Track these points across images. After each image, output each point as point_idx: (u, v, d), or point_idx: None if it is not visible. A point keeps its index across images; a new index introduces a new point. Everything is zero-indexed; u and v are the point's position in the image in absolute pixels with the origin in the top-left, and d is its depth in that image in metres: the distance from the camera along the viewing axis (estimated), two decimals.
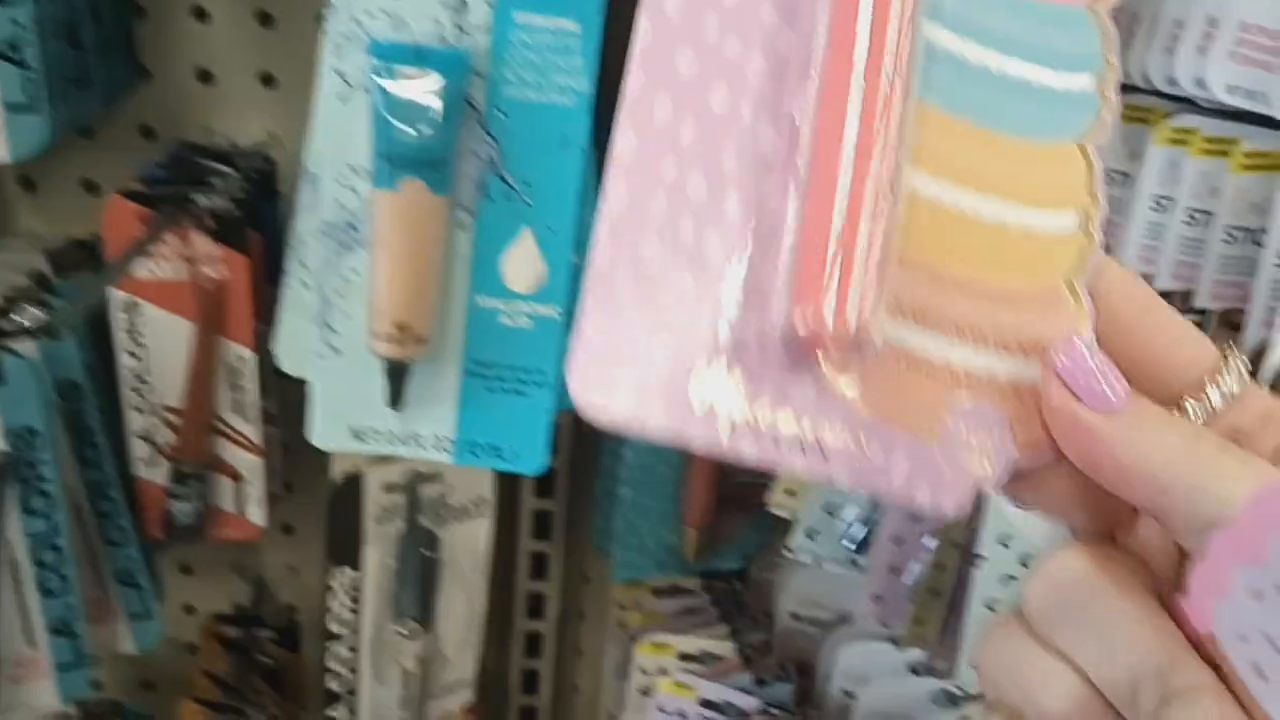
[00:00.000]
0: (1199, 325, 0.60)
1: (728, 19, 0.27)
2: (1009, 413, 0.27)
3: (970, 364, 0.27)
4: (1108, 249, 0.30)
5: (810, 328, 0.25)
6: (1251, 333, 0.59)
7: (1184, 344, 0.29)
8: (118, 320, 0.63)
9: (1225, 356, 0.28)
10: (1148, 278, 0.63)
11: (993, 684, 0.28)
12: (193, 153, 0.69)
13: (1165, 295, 0.60)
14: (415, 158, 0.51)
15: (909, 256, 0.27)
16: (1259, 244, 0.59)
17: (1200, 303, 0.61)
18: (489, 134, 0.52)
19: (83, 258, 0.69)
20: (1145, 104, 0.66)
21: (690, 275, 0.26)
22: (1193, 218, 0.62)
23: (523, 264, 0.54)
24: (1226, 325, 0.61)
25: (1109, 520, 0.28)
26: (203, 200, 0.62)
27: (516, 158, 0.53)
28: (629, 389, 0.25)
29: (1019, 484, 0.28)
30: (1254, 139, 0.59)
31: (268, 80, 0.73)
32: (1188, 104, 0.63)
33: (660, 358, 0.25)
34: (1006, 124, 0.28)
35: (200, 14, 0.71)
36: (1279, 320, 0.57)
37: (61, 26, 0.59)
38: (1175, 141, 0.62)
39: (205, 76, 0.73)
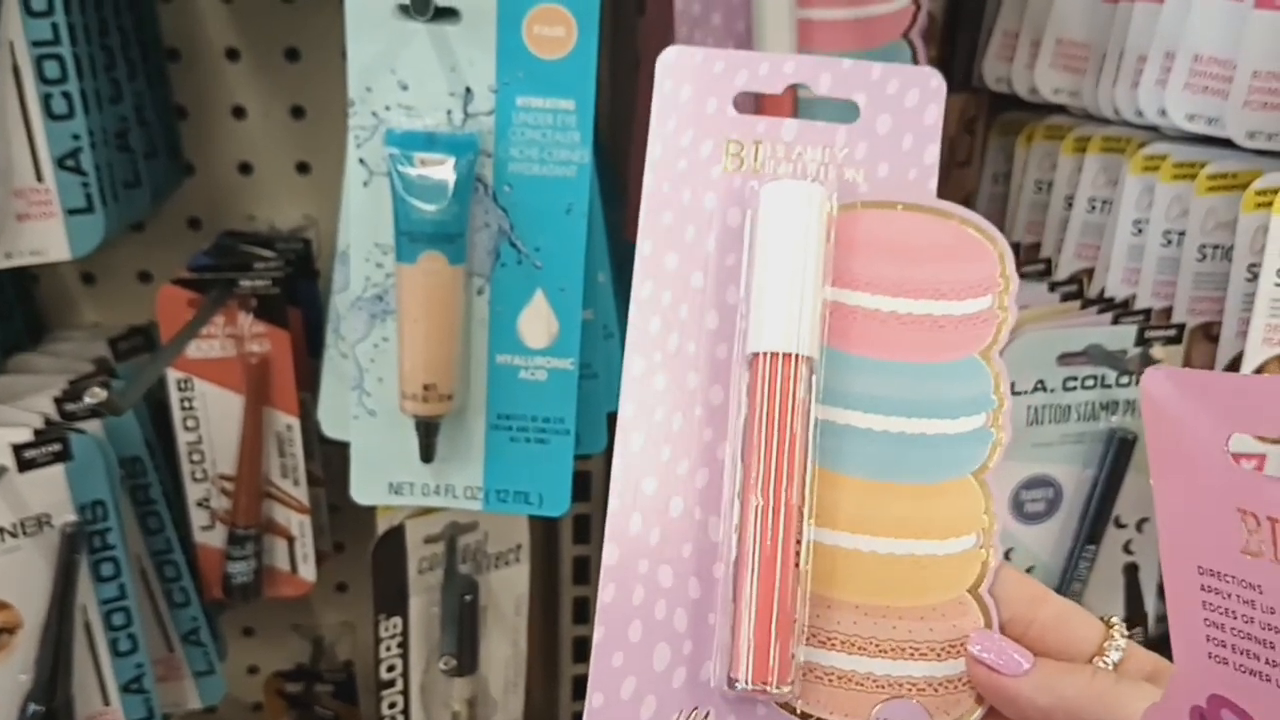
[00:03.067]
0: (1178, 338, 0.63)
1: (677, 444, 0.37)
2: (929, 703, 0.36)
3: (890, 672, 0.36)
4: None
5: (748, 687, 0.35)
6: (1226, 341, 0.62)
7: (1074, 624, 0.37)
8: (174, 397, 0.68)
9: (1110, 629, 0.36)
10: (1131, 298, 0.67)
11: None
12: (236, 240, 0.74)
13: (1147, 312, 0.64)
14: (432, 233, 0.56)
15: (830, 597, 0.36)
16: (1229, 259, 0.62)
17: (1178, 317, 0.65)
18: (499, 206, 0.57)
19: (141, 343, 0.75)
20: (1122, 135, 0.70)
21: (666, 644, 0.36)
22: (1167, 239, 0.65)
23: (537, 322, 0.59)
24: (1206, 337, 0.65)
25: None
26: (246, 283, 0.67)
27: (525, 226, 0.58)
28: None
29: None
30: (1217, 161, 0.63)
31: (303, 168, 0.79)
32: (1160, 132, 0.67)
33: (647, 709, 0.36)
34: (902, 474, 0.37)
35: (238, 112, 0.77)
36: (1251, 330, 0.60)
37: (113, 135, 0.65)
38: (1148, 168, 0.66)
39: (245, 168, 0.79)
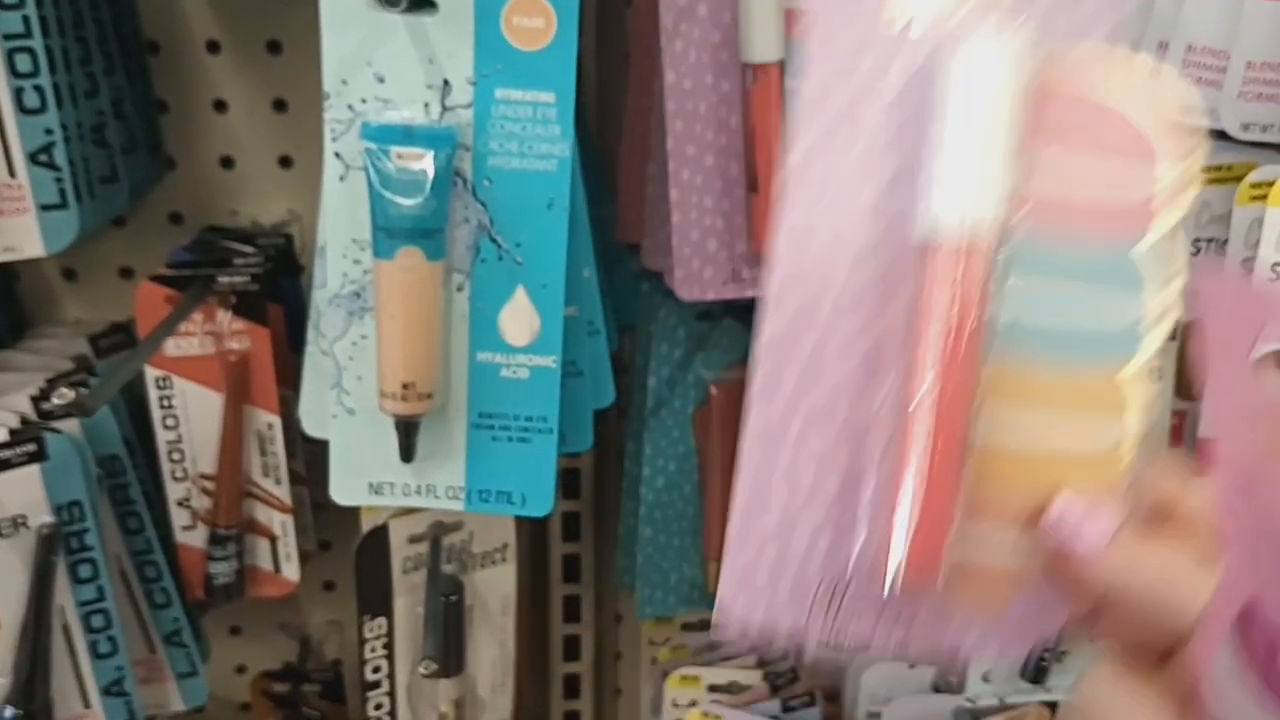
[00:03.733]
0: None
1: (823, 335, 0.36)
2: (1053, 585, 0.35)
3: (1016, 554, 0.35)
4: None
5: (904, 576, 0.34)
6: None
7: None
8: (153, 395, 0.67)
9: None
10: None
11: None
12: (217, 235, 0.73)
13: None
14: (410, 228, 0.55)
15: (980, 495, 0.35)
16: (1224, 253, 0.61)
17: None
18: (479, 201, 0.56)
19: (122, 340, 0.74)
20: None
21: (808, 520, 0.35)
22: None
23: (518, 319, 0.58)
24: None
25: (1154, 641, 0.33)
26: (225, 280, 0.66)
27: (506, 221, 0.57)
28: (764, 609, 0.35)
29: (1073, 630, 0.35)
30: (1212, 154, 0.62)
31: (285, 162, 0.78)
32: None
33: (786, 582, 0.35)
34: (1063, 369, 0.35)
35: (220, 105, 0.76)
36: None
37: (89, 130, 0.64)
38: None
39: (227, 163, 0.78)
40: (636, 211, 0.77)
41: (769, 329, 0.35)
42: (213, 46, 0.75)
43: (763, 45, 0.65)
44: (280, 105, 0.77)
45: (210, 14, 0.75)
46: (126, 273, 0.79)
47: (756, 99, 0.66)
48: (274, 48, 0.76)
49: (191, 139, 0.77)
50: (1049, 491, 0.35)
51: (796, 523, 0.35)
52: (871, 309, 0.35)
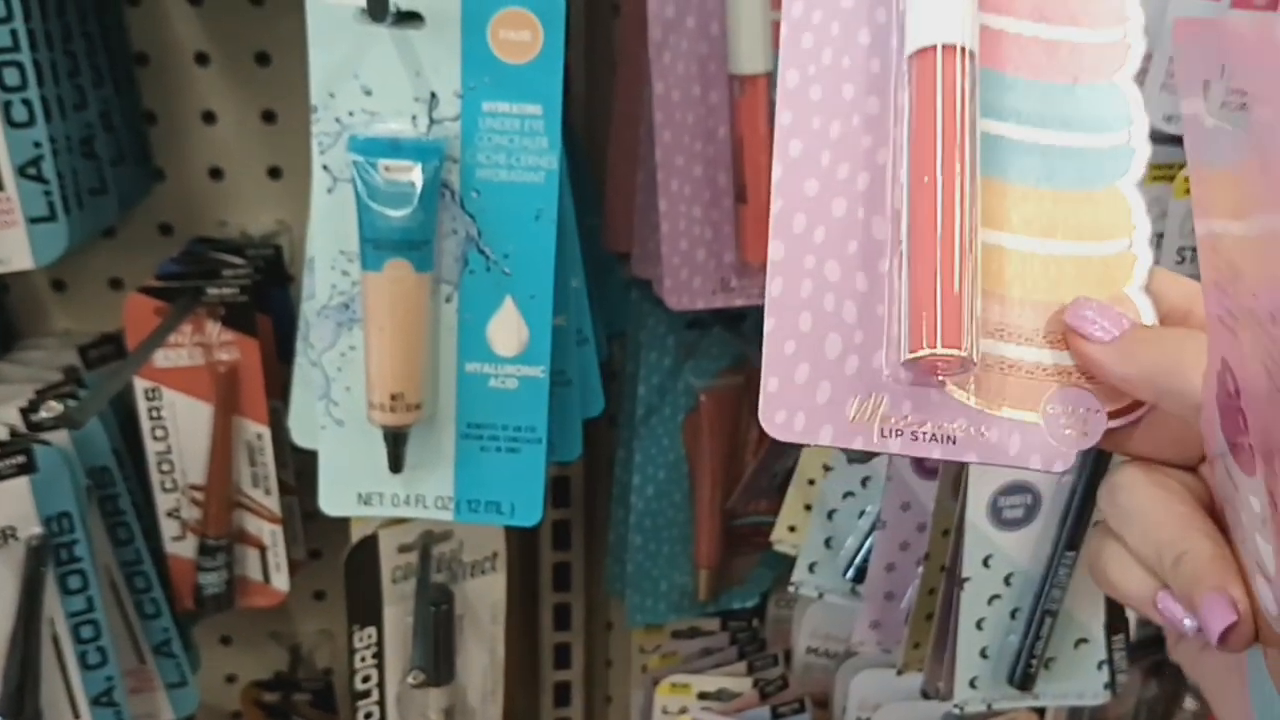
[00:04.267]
0: None
1: (837, 151, 0.37)
2: (1097, 391, 0.36)
3: (1059, 361, 0.36)
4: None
5: (929, 356, 0.34)
6: None
7: None
8: (142, 406, 0.67)
9: None
10: None
11: (1097, 580, 0.36)
12: (206, 246, 0.74)
13: None
14: (398, 240, 0.55)
15: (997, 292, 0.37)
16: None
17: None
18: (467, 213, 0.57)
19: (111, 351, 0.74)
20: None
21: (836, 334, 0.37)
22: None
23: (507, 330, 0.58)
24: None
25: (1186, 457, 0.36)
26: (214, 291, 0.66)
27: (494, 233, 0.57)
28: (805, 417, 0.37)
29: (1110, 440, 0.36)
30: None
31: (274, 173, 0.78)
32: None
33: (822, 392, 0.36)
34: (1057, 182, 0.38)
35: (209, 117, 0.77)
36: None
37: (77, 142, 0.64)
38: None
39: (216, 174, 0.78)
40: (625, 220, 0.77)
41: (776, 173, 0.37)
42: (201, 58, 0.75)
43: (749, 57, 0.66)
44: (269, 116, 0.77)
45: (199, 26, 0.75)
46: (116, 283, 0.79)
47: (744, 110, 0.67)
48: (262, 59, 0.76)
49: (180, 150, 0.77)
50: (1071, 288, 0.37)
51: (824, 344, 0.37)
52: (866, 149, 0.38)
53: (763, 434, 0.85)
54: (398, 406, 0.56)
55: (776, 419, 0.37)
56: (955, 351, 0.34)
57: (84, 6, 0.67)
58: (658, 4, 0.66)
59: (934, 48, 0.36)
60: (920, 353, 0.35)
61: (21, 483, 0.60)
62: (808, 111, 0.38)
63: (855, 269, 0.37)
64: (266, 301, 0.71)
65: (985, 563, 0.64)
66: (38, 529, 0.61)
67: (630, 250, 0.77)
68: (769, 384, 0.37)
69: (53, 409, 0.52)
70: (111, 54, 0.71)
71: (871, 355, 0.37)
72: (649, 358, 0.80)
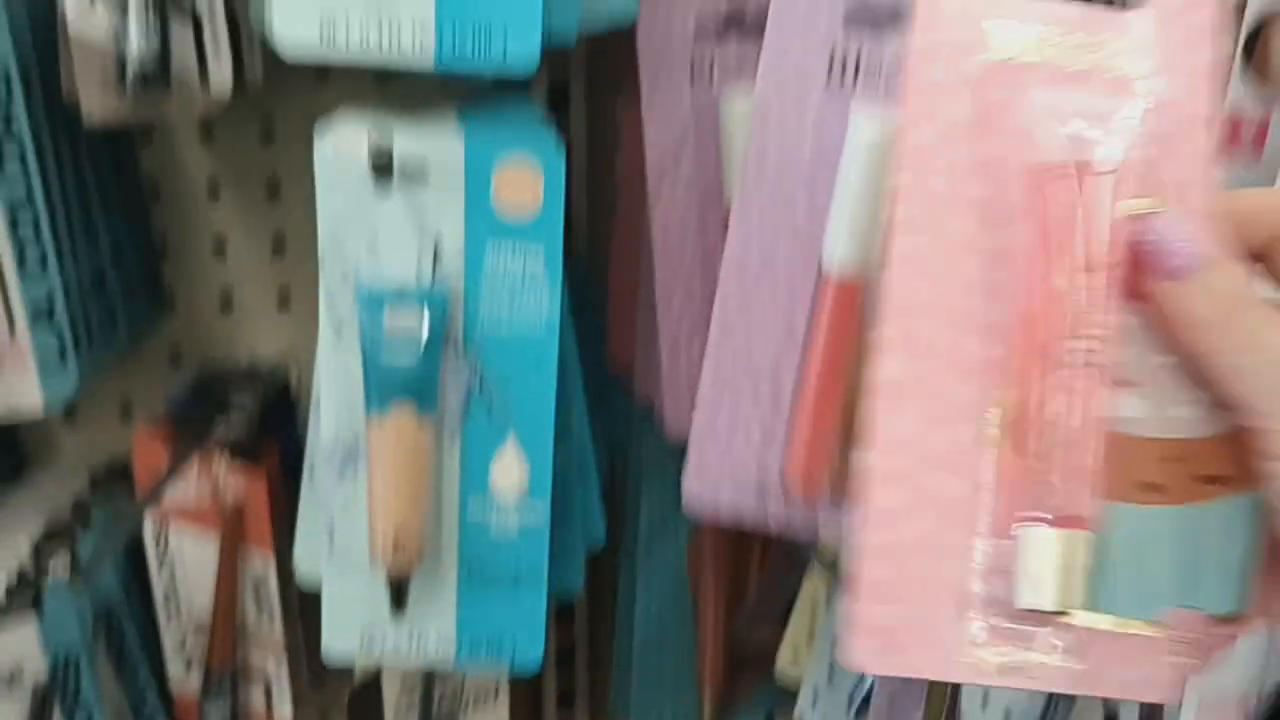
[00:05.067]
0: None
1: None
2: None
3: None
4: None
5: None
6: None
7: None
8: (149, 543, 0.68)
9: None
10: None
11: None
12: (215, 377, 0.75)
13: None
14: (402, 387, 0.56)
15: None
16: None
17: None
18: (469, 360, 0.58)
19: (120, 479, 0.75)
20: None
21: (746, 421, 0.42)
22: None
23: (508, 474, 0.58)
24: None
25: None
26: (222, 425, 0.67)
27: (495, 379, 0.58)
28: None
29: None
30: None
31: (284, 300, 0.79)
32: None
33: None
34: None
35: (219, 246, 0.78)
36: None
37: (89, 282, 0.66)
38: None
39: (226, 301, 0.79)
40: (628, 342, 0.78)
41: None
42: (213, 189, 0.77)
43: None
44: (279, 245, 0.78)
45: (210, 158, 0.77)
46: (126, 410, 0.80)
47: None
48: (273, 190, 0.78)
49: (191, 279, 0.78)
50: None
51: (736, 425, 0.41)
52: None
53: (765, 555, 0.85)
54: (400, 553, 0.57)
55: (698, 496, 0.41)
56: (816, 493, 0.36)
57: (97, 146, 0.69)
58: (656, 138, 0.67)
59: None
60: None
61: (29, 625, 0.61)
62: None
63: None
64: (274, 428, 0.72)
65: (983, 704, 0.63)
66: (44, 672, 0.61)
67: (633, 372, 0.78)
68: (691, 460, 0.42)
69: (61, 562, 0.53)
70: (123, 188, 0.72)
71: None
72: (650, 481, 0.80)
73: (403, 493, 0.57)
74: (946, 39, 0.38)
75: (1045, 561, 0.35)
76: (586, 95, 0.79)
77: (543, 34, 0.54)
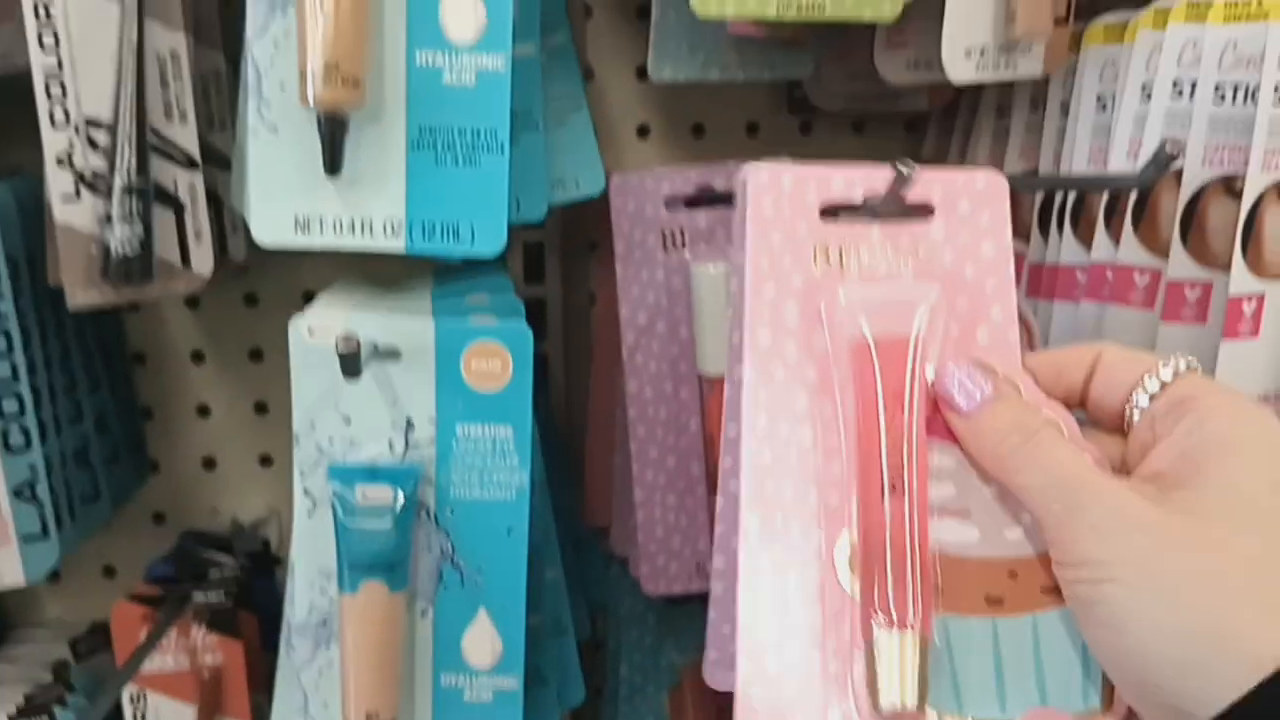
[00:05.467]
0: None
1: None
2: None
3: None
4: None
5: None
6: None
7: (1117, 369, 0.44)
8: (127, 711, 0.68)
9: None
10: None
11: None
12: (196, 541, 0.76)
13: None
14: (373, 563, 0.57)
15: None
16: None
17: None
18: (441, 530, 0.59)
19: (102, 644, 0.76)
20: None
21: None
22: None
23: (480, 648, 0.59)
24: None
25: None
26: (200, 597, 0.68)
27: (467, 548, 0.59)
28: None
29: None
30: None
31: (265, 461, 0.81)
32: None
33: None
34: None
35: (203, 410, 0.80)
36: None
37: (72, 455, 0.67)
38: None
39: (209, 463, 0.80)
40: (604, 497, 0.79)
41: None
42: (196, 355, 0.79)
43: (715, 359, 0.69)
44: (261, 407, 0.80)
45: (194, 325, 0.79)
46: (109, 571, 0.81)
47: (713, 407, 0.70)
48: (255, 355, 0.80)
49: (174, 442, 0.80)
50: None
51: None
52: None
53: None
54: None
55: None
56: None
57: (83, 320, 0.71)
58: (630, 311, 0.69)
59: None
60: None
61: None
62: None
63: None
64: (253, 595, 0.73)
65: None
66: None
67: (609, 525, 0.79)
68: None
69: None
70: (107, 356, 0.74)
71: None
72: (629, 634, 0.81)
73: (375, 667, 0.57)
74: (774, 264, 0.48)
75: (892, 664, 0.41)
76: (562, 250, 0.81)
77: (509, 220, 0.56)
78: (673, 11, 0.64)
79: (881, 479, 0.43)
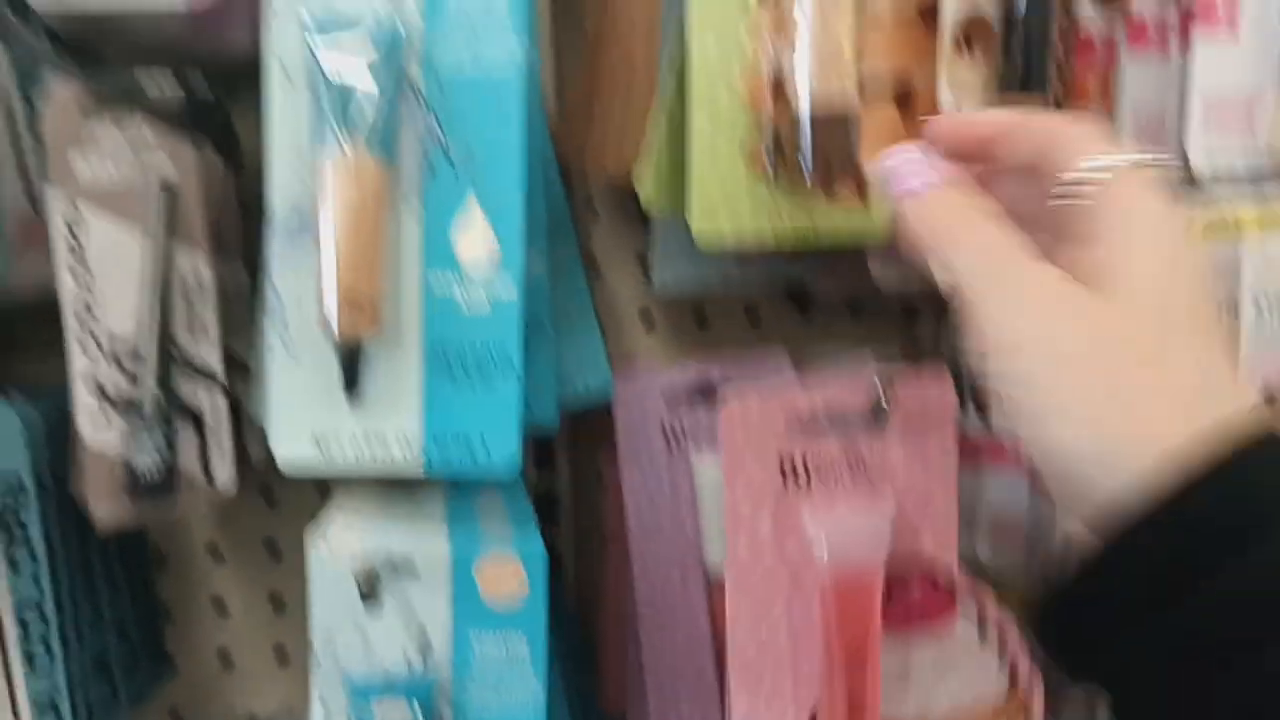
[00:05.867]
0: None
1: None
2: None
3: None
4: None
5: None
6: None
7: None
8: None
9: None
10: None
11: None
12: None
13: None
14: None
15: None
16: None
17: None
18: None
19: None
20: None
21: None
22: None
23: None
24: None
25: None
26: None
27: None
28: None
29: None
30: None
31: (282, 657, 0.81)
32: None
33: None
34: None
35: (220, 607, 0.81)
36: None
37: (91, 666, 0.68)
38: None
39: (226, 660, 0.81)
40: (619, 684, 0.79)
41: None
42: (214, 551, 0.80)
43: (721, 559, 0.70)
44: (278, 603, 0.81)
45: (213, 521, 0.80)
46: None
47: (720, 606, 0.70)
48: (271, 548, 0.81)
49: (192, 640, 0.81)
50: None
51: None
52: None
53: None
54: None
55: None
56: None
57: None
58: (635, 510, 0.71)
59: None
60: None
61: None
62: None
63: None
64: None
65: None
66: None
67: (625, 710, 0.79)
68: None
69: None
70: (129, 562, 0.76)
71: None
72: None
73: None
74: (748, 481, 0.57)
75: None
76: (571, 439, 0.83)
77: (523, 437, 0.58)
78: (674, 226, 0.67)
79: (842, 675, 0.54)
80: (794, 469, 0.57)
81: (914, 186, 0.44)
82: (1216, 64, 0.60)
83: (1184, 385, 0.38)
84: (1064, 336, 0.39)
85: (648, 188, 0.62)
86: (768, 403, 0.57)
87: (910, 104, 0.56)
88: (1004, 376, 0.40)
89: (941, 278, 0.43)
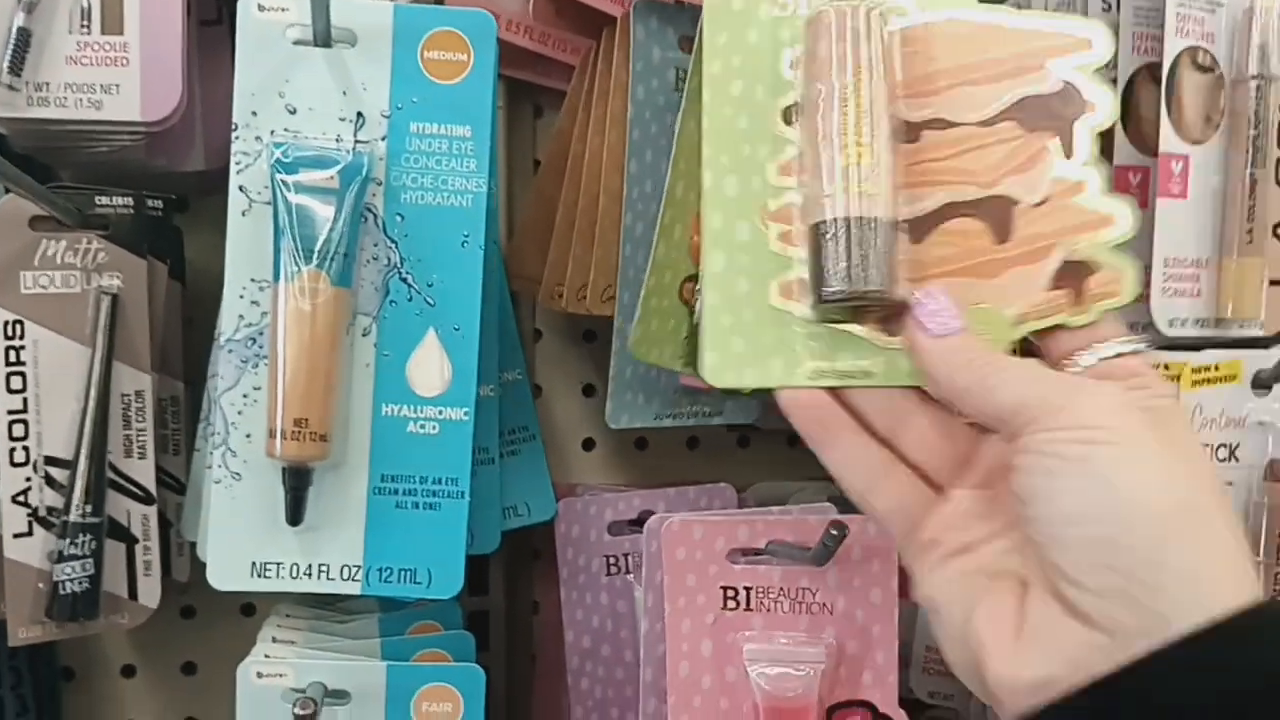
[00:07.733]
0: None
1: None
2: None
3: None
4: None
5: None
6: None
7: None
8: None
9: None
10: None
11: None
12: None
13: None
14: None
15: None
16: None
17: None
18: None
19: None
20: None
21: None
22: None
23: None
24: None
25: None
26: None
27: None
28: None
29: None
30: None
31: None
32: None
33: None
34: None
35: None
36: None
37: None
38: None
39: None
40: None
41: None
42: (128, 671, 0.77)
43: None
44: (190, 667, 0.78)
45: (127, 641, 0.77)
46: None
47: None
48: (189, 669, 0.78)
49: None
50: None
51: None
52: None
53: None
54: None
55: None
56: None
57: None
58: (575, 636, 0.70)
59: None
60: None
61: None
62: None
63: None
64: None
65: None
66: None
67: None
68: None
69: None
70: (36, 679, 0.72)
71: None
72: None
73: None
74: (689, 603, 0.58)
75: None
76: (505, 558, 0.82)
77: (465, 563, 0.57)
78: (629, 366, 0.67)
79: None
80: (735, 593, 0.58)
81: (937, 329, 0.43)
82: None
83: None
84: (1146, 434, 0.39)
85: (634, 339, 0.60)
86: (710, 527, 0.58)
87: None
88: (1081, 455, 0.39)
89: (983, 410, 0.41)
